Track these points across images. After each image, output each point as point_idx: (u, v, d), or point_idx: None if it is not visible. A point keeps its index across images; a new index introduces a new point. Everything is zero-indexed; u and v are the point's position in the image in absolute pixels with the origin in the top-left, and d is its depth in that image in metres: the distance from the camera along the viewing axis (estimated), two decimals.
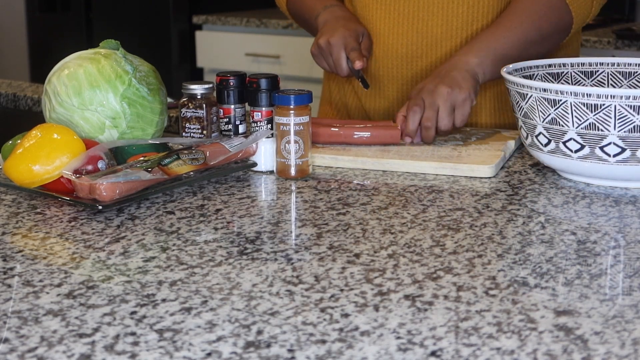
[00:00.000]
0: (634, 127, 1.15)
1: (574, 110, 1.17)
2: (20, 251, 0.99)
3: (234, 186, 1.24)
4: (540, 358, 0.73)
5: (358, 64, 1.45)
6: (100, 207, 1.10)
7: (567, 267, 0.93)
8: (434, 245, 1.00)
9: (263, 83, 1.35)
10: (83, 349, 0.74)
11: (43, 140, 1.17)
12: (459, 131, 1.48)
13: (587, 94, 1.15)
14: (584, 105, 1.16)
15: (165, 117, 1.34)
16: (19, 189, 1.19)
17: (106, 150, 1.20)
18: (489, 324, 0.79)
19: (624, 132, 1.15)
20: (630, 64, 1.39)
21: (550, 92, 1.18)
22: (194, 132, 1.36)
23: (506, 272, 0.92)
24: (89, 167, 1.16)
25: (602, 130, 1.16)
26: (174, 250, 0.98)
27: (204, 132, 1.36)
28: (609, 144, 1.17)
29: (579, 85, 1.40)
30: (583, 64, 1.40)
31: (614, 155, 1.17)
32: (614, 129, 1.16)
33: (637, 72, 1.39)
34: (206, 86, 1.36)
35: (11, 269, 0.93)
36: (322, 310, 0.82)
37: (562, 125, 1.19)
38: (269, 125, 1.35)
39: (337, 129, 1.39)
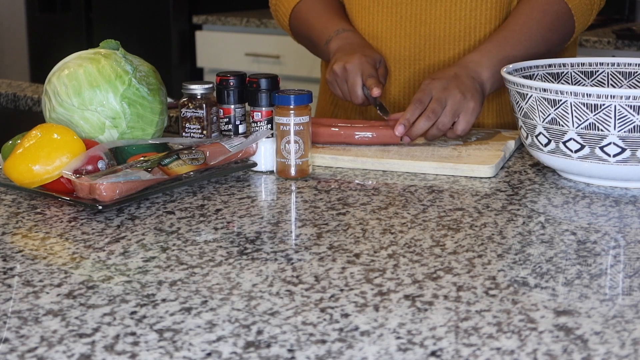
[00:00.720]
0: (634, 127, 1.15)
1: (574, 110, 1.17)
2: (20, 251, 0.99)
3: (234, 186, 1.24)
4: (540, 358, 0.73)
5: (376, 92, 1.40)
6: (100, 207, 1.10)
7: (567, 267, 0.93)
8: (434, 245, 1.00)
9: (263, 83, 1.35)
10: (83, 349, 0.74)
11: (43, 140, 1.17)
12: None
13: (587, 94, 1.15)
14: (584, 105, 1.16)
15: (165, 117, 1.34)
16: (19, 189, 1.19)
17: (106, 150, 1.20)
18: (489, 324, 0.79)
19: (624, 132, 1.15)
20: (630, 64, 1.39)
21: (550, 92, 1.18)
22: (194, 132, 1.36)
23: (506, 272, 0.92)
24: (89, 167, 1.16)
25: (602, 130, 1.16)
26: (174, 250, 0.98)
27: (204, 132, 1.36)
28: (609, 144, 1.17)
29: (579, 85, 1.40)
30: (583, 64, 1.40)
31: (614, 155, 1.17)
32: (614, 129, 1.16)
33: (637, 72, 1.39)
34: (206, 86, 1.36)
35: (11, 269, 0.93)
36: (322, 310, 0.82)
37: (562, 125, 1.19)
38: (269, 125, 1.35)
39: (337, 129, 1.39)
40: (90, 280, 0.90)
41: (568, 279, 0.90)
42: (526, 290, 0.87)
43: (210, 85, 1.37)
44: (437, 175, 1.29)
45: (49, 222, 1.09)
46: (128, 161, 1.20)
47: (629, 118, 1.14)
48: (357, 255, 0.96)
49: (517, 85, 1.23)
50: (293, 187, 1.23)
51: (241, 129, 1.40)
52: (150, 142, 1.26)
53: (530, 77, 1.36)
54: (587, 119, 1.16)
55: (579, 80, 1.40)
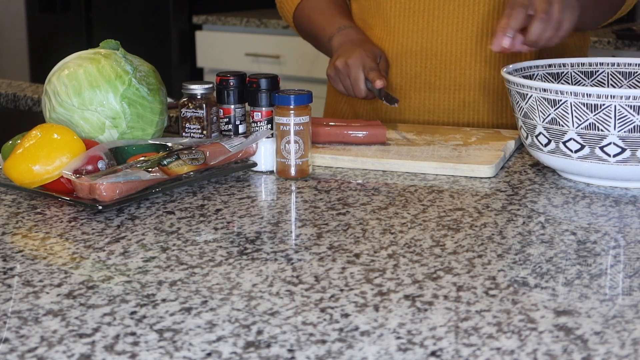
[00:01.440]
0: (634, 127, 1.15)
1: (574, 110, 1.17)
2: (20, 251, 0.99)
3: (234, 186, 1.24)
4: (540, 358, 0.73)
5: (379, 83, 1.41)
6: (100, 207, 1.10)
7: (567, 267, 0.93)
8: (434, 245, 1.00)
9: (263, 83, 1.35)
10: (83, 349, 0.74)
11: (43, 140, 1.17)
12: (459, 131, 1.48)
13: (587, 94, 1.15)
14: (584, 105, 1.16)
15: (165, 117, 1.34)
16: (19, 189, 1.19)
17: (106, 150, 1.20)
18: (489, 324, 0.79)
19: (624, 132, 1.15)
20: (630, 64, 1.39)
21: (550, 92, 1.18)
22: (194, 132, 1.36)
23: (506, 272, 0.92)
24: (89, 167, 1.16)
25: (602, 130, 1.16)
26: (174, 250, 0.98)
27: (204, 132, 1.36)
28: (609, 144, 1.17)
29: (579, 85, 1.40)
30: (583, 64, 1.40)
31: (614, 155, 1.17)
32: (614, 129, 1.16)
33: (637, 72, 1.39)
34: (206, 86, 1.36)
35: (11, 269, 0.93)
36: (322, 310, 0.82)
37: (562, 125, 1.19)
38: (269, 125, 1.35)
39: (329, 129, 1.39)
40: (90, 280, 0.90)
41: (568, 279, 0.90)
42: (526, 290, 0.87)
43: (210, 85, 1.37)
44: (437, 175, 1.29)
45: (49, 222, 1.09)
46: (128, 161, 1.20)
47: (629, 118, 1.14)
48: (357, 255, 0.96)
49: (517, 85, 1.23)
50: (293, 187, 1.23)
51: (241, 129, 1.40)
52: (150, 142, 1.26)
53: (530, 77, 1.36)
54: (587, 119, 1.16)
55: (579, 80, 1.40)
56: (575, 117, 1.17)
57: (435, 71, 1.57)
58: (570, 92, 1.16)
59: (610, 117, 1.15)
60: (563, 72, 1.39)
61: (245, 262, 0.94)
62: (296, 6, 1.67)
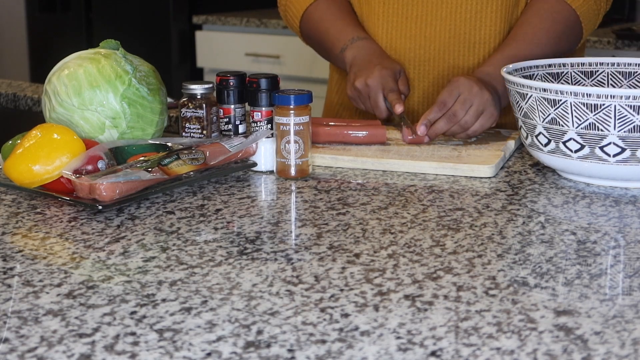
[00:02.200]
0: (634, 127, 1.15)
1: (574, 110, 1.17)
2: (20, 251, 0.99)
3: (234, 186, 1.24)
4: (540, 358, 0.73)
5: (398, 109, 1.40)
6: (100, 207, 1.10)
7: (567, 267, 0.93)
8: (434, 245, 1.00)
9: (263, 83, 1.35)
10: (83, 349, 0.74)
11: (43, 140, 1.17)
12: None
13: (587, 94, 1.15)
14: (584, 105, 1.16)
15: (165, 117, 1.34)
16: (19, 189, 1.19)
17: (106, 150, 1.20)
18: (489, 324, 0.79)
19: (624, 132, 1.15)
20: (630, 64, 1.39)
21: (550, 92, 1.18)
22: (194, 132, 1.36)
23: (506, 272, 0.92)
24: (89, 167, 1.16)
25: (602, 130, 1.16)
26: (174, 250, 0.98)
27: (204, 132, 1.36)
28: (609, 144, 1.17)
29: (579, 85, 1.40)
30: (583, 64, 1.40)
31: (614, 155, 1.17)
32: (614, 129, 1.16)
33: (637, 72, 1.39)
34: (206, 86, 1.36)
35: (11, 269, 0.93)
36: (322, 310, 0.82)
37: (562, 125, 1.19)
38: (269, 125, 1.35)
39: (329, 129, 1.39)
40: (90, 280, 0.90)
41: (568, 279, 0.90)
42: (526, 290, 0.87)
43: (210, 85, 1.37)
44: (437, 175, 1.29)
45: (49, 222, 1.09)
46: (128, 161, 1.20)
47: (628, 118, 1.14)
48: (357, 255, 0.96)
49: (517, 85, 1.23)
50: (293, 187, 1.23)
51: (241, 129, 1.40)
52: (150, 142, 1.26)
53: (530, 77, 1.36)
54: (587, 119, 1.16)
55: (579, 80, 1.40)
56: (575, 117, 1.17)
57: (430, 78, 1.56)
58: (570, 92, 1.16)
59: (610, 117, 1.15)
60: (563, 72, 1.39)
61: (245, 262, 0.94)
62: (304, 11, 1.62)
